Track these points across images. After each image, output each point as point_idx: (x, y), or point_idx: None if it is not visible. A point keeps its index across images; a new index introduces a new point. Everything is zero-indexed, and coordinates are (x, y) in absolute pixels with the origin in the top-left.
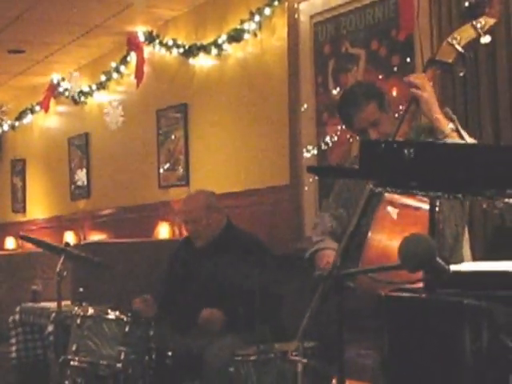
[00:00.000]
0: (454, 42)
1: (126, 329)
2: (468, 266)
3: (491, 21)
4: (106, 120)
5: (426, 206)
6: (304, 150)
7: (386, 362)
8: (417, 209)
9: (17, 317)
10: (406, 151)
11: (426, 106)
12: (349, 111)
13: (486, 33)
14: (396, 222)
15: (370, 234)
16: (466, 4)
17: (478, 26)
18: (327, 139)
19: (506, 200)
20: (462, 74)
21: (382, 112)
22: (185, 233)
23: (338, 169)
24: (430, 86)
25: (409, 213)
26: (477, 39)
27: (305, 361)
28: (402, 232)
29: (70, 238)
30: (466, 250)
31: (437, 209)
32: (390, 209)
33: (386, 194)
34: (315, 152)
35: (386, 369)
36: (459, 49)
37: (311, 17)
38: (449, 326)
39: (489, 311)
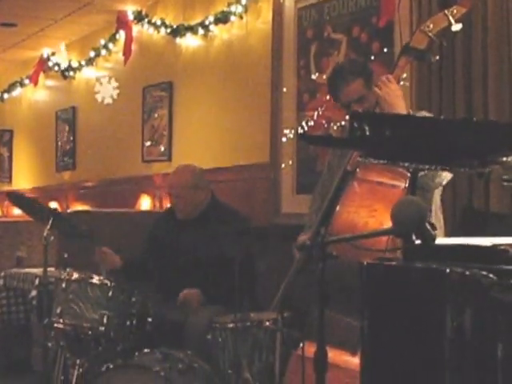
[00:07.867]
0: (427, 29)
1: (110, 293)
2: (440, 240)
3: (463, 10)
4: (97, 98)
5: (400, 184)
6: (284, 129)
7: (365, 331)
8: (390, 186)
9: (1, 282)
10: (392, 124)
11: (382, 103)
12: (337, 85)
13: (457, 21)
14: (364, 197)
15: (338, 207)
16: None
17: (450, 14)
18: (307, 120)
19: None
20: (433, 61)
21: (367, 90)
22: (165, 206)
23: (327, 137)
24: (395, 86)
25: (379, 189)
26: (449, 27)
27: (283, 330)
28: (368, 206)
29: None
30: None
31: None
32: (357, 184)
33: (359, 172)
34: (295, 132)
35: (366, 338)
36: (431, 36)
37: (296, 1)
38: (433, 295)
39: (474, 277)
